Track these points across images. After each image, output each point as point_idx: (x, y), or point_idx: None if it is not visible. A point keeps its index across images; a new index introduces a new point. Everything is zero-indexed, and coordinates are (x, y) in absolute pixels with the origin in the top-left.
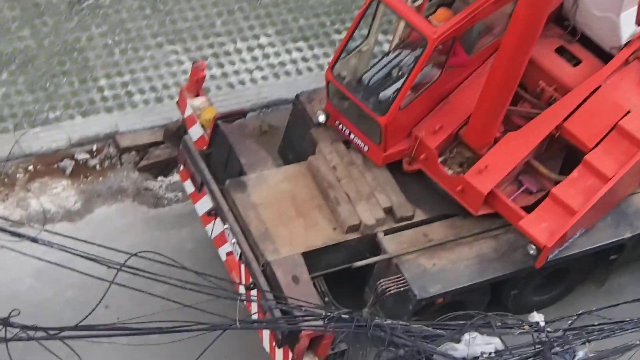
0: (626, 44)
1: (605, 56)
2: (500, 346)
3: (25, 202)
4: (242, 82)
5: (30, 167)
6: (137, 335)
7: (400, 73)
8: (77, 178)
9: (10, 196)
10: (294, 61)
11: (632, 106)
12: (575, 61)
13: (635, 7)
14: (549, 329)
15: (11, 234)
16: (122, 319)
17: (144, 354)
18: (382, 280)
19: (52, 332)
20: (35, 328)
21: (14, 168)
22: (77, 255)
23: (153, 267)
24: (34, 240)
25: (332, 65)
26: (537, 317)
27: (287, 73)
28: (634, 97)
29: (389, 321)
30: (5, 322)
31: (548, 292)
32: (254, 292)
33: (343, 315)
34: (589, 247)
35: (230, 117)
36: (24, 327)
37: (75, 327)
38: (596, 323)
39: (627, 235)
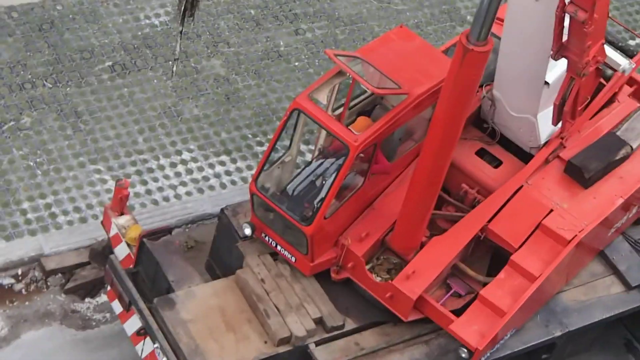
0: (545, 144)
1: (525, 156)
2: None
3: None
4: (166, 199)
5: None
6: None
7: (323, 182)
8: (2, 303)
9: None
10: (217, 175)
11: (554, 205)
12: (497, 162)
13: (552, 107)
14: None
15: None
16: None
17: None
18: None
19: None
20: None
21: None
22: None
23: None
24: None
25: (256, 178)
26: None
27: (211, 187)
28: (555, 196)
29: None
30: None
31: None
32: None
33: None
34: (520, 348)
35: (156, 234)
36: None
37: None
38: None
39: (557, 333)
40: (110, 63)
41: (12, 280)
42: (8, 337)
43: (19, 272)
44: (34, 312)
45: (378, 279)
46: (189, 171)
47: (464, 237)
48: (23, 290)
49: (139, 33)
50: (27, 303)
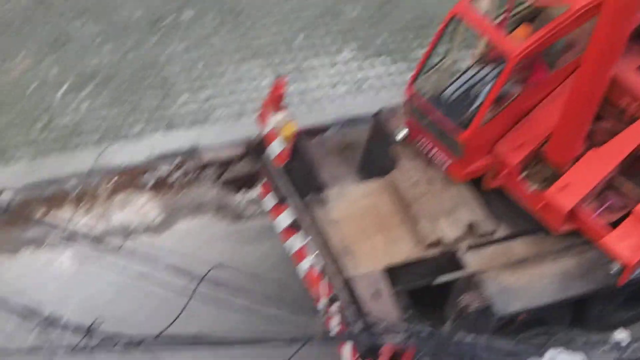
0: None
1: None
2: None
3: (107, 216)
4: (323, 97)
5: (113, 181)
6: (218, 345)
7: (481, 90)
8: (158, 192)
9: (93, 210)
10: (375, 76)
11: None
12: None
13: None
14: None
15: (94, 247)
16: (203, 330)
17: None
18: (463, 296)
19: (134, 342)
20: (118, 337)
21: (96, 182)
22: (159, 267)
23: (233, 281)
24: (116, 252)
25: (413, 81)
26: (623, 333)
27: (369, 88)
28: None
29: (470, 337)
30: (89, 330)
31: (632, 310)
32: (334, 307)
33: (424, 331)
34: None
35: (311, 132)
36: (107, 336)
37: (158, 337)
38: None
39: None
40: None
41: (169, 170)
42: (163, 225)
43: (176, 162)
44: (188, 203)
45: (531, 189)
46: (347, 71)
47: (621, 152)
48: (179, 180)
49: None
50: (182, 193)
